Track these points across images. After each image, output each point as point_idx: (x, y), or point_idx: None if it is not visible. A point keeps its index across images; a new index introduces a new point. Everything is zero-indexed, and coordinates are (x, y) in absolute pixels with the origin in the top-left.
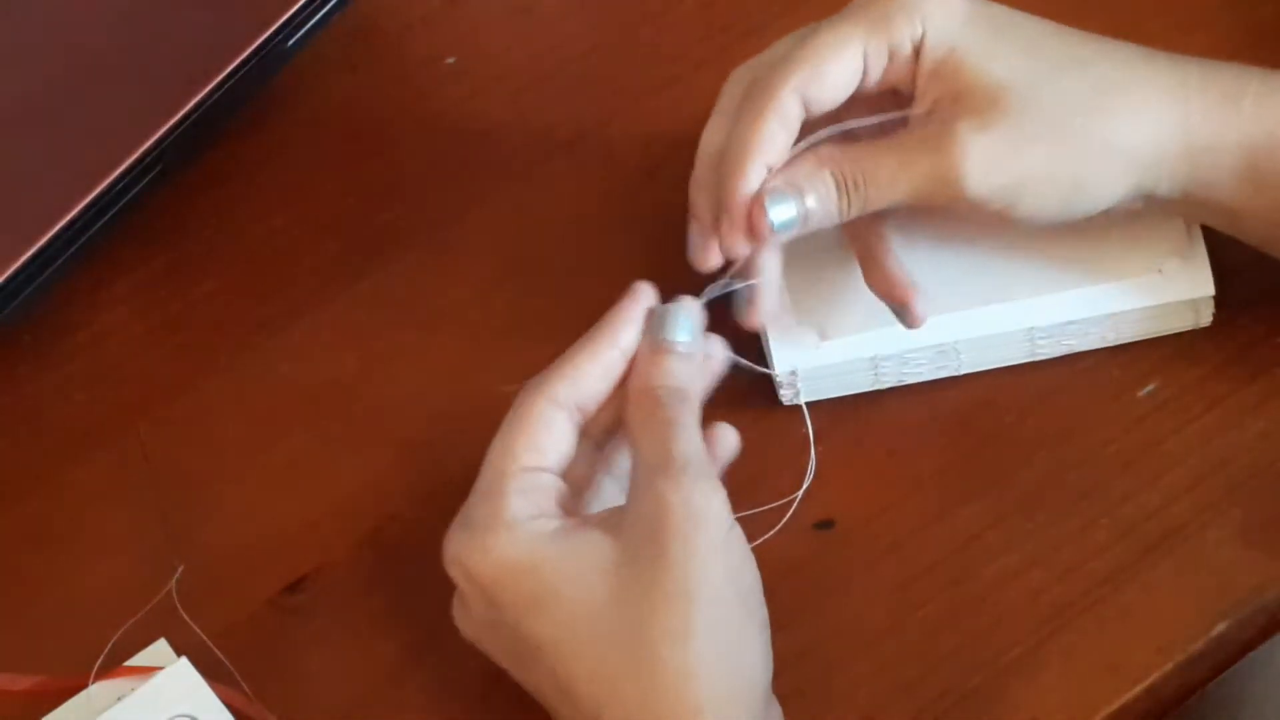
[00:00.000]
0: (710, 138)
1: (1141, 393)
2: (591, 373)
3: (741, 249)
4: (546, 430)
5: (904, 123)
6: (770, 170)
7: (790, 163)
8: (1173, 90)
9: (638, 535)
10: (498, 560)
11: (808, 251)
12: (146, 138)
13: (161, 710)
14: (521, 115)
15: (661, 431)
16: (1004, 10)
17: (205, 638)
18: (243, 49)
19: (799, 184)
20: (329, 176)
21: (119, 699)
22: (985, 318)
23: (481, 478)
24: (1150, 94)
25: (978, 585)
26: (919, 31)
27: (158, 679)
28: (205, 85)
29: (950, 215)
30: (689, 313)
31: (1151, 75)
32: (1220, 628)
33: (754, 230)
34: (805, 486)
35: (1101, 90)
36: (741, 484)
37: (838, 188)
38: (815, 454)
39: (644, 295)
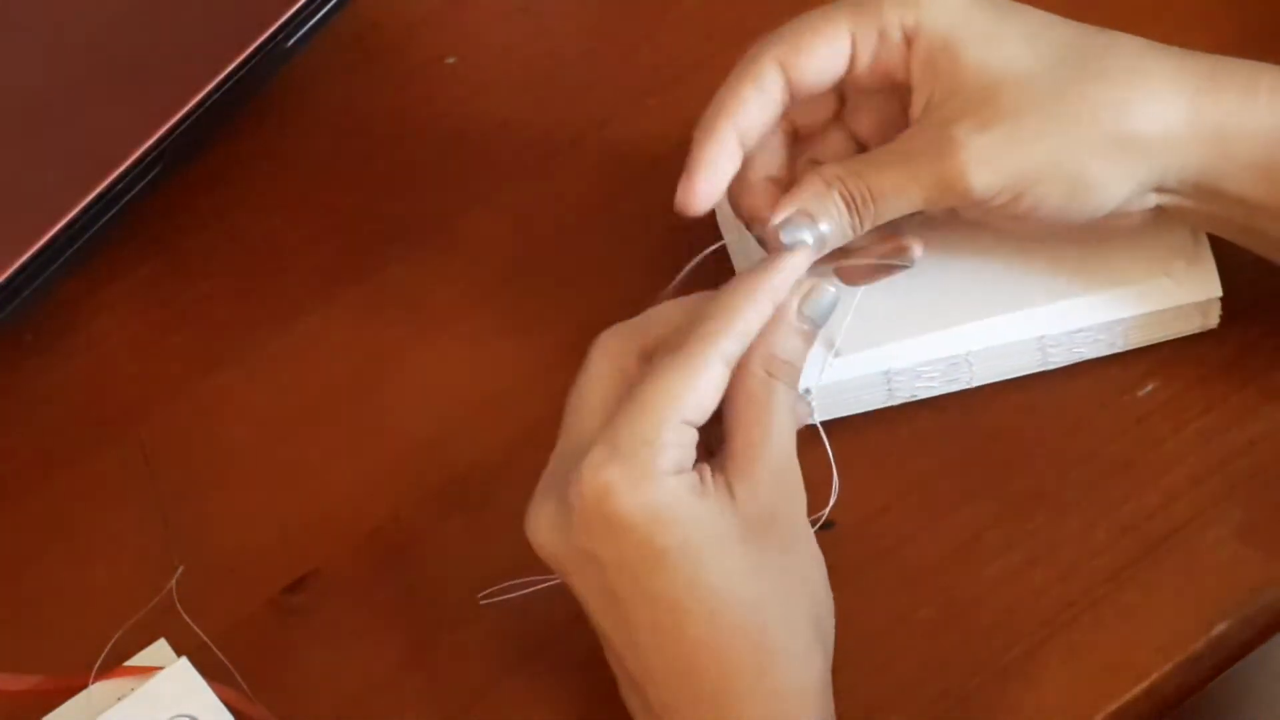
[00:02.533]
0: None
1: (1141, 393)
2: (750, 333)
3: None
4: (713, 390)
5: (905, 122)
6: (740, 136)
7: (796, 187)
8: (1181, 78)
9: (753, 516)
10: (647, 505)
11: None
12: (146, 138)
13: (161, 710)
14: (521, 115)
15: (768, 416)
16: (1006, 2)
17: (205, 638)
18: (243, 49)
19: (810, 211)
20: (329, 176)
21: (119, 699)
22: (996, 328)
23: (640, 416)
24: (1157, 82)
25: (978, 585)
26: (911, 19)
27: (158, 679)
28: (205, 85)
29: (961, 219)
30: (833, 303)
31: (1158, 64)
32: (1220, 628)
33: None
34: (831, 504)
35: (1106, 79)
36: None
37: (848, 207)
38: (836, 473)
39: (804, 263)
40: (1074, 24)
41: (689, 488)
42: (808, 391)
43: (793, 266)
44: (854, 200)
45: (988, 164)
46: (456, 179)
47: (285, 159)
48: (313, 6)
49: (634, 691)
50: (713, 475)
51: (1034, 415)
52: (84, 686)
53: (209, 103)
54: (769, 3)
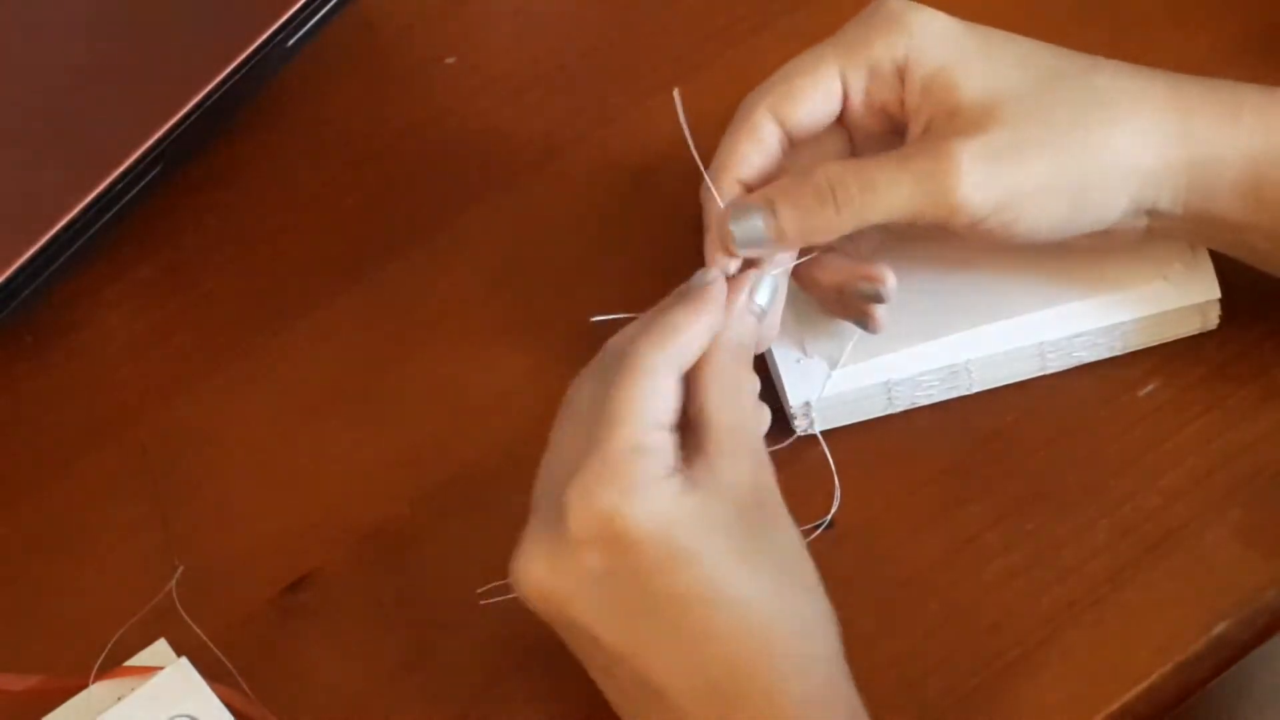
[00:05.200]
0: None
1: (1141, 393)
2: (694, 344)
3: (727, 265)
4: (667, 393)
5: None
6: (745, 188)
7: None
8: (1171, 102)
9: (744, 499)
10: (652, 513)
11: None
12: (146, 138)
13: (161, 710)
14: (521, 115)
15: (740, 399)
16: (992, 30)
17: (205, 638)
18: (243, 49)
19: (770, 195)
20: (329, 176)
21: (119, 699)
22: (995, 335)
23: (607, 436)
24: (1148, 106)
25: (978, 585)
26: (900, 52)
27: (158, 679)
28: (205, 85)
29: (948, 239)
30: (772, 285)
31: (1147, 88)
32: (1220, 628)
33: (726, 247)
34: (833, 512)
35: (1099, 102)
36: None
37: (822, 196)
38: (838, 477)
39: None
40: (1064, 50)
41: (681, 487)
42: (808, 405)
43: (735, 289)
44: (832, 191)
45: (981, 179)
46: (456, 179)
47: (285, 159)
48: (313, 6)
49: (653, 709)
50: (692, 469)
51: (1034, 415)
52: (84, 686)
53: (209, 103)
54: (769, 3)
